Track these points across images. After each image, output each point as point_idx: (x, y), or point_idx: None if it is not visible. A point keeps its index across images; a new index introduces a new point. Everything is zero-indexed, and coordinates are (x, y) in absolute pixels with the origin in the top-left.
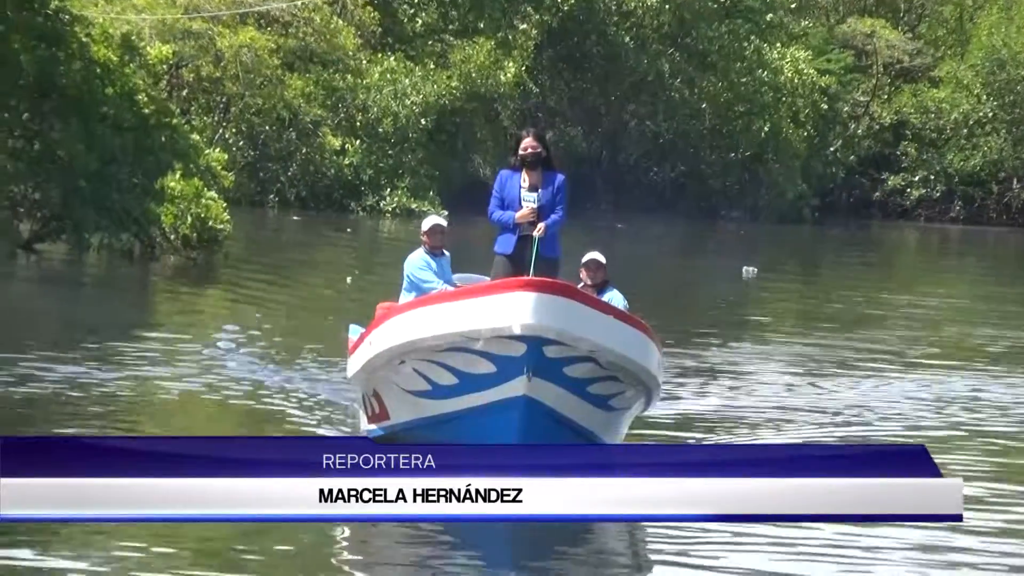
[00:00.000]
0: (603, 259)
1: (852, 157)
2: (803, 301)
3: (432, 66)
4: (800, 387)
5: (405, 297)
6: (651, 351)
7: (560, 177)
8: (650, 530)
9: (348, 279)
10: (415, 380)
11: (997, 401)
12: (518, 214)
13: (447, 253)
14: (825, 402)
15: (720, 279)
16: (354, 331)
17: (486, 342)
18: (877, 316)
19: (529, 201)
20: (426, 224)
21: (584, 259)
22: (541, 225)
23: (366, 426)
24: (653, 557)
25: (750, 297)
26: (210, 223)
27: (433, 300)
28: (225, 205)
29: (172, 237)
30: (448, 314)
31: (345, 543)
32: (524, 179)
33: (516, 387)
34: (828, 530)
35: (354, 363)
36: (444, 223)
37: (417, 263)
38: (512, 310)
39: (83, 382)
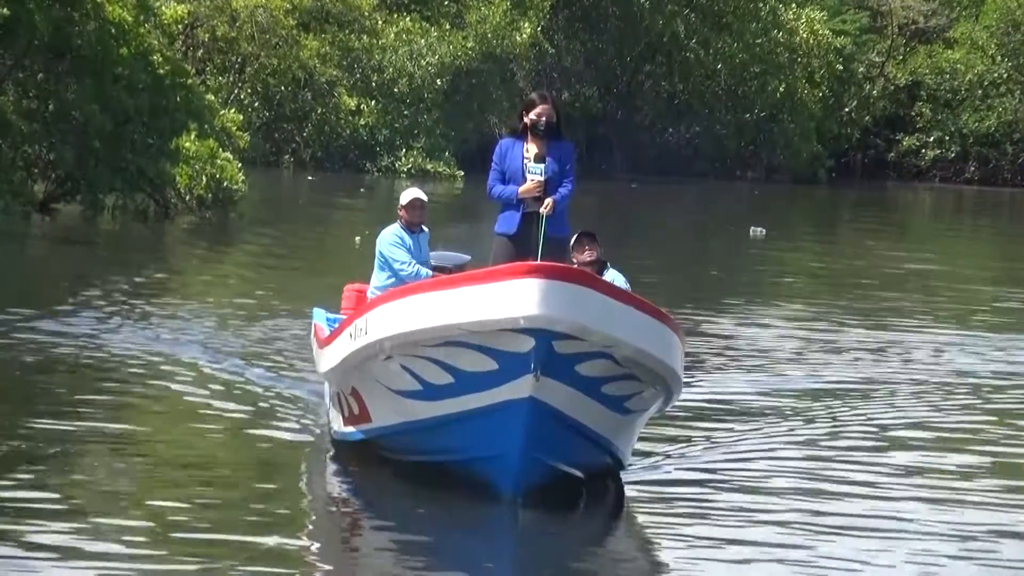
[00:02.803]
0: (595, 234)
1: (867, 118)
2: (807, 262)
3: (448, 26)
4: (794, 362)
5: (378, 276)
6: (674, 345)
7: (569, 145)
8: (653, 531)
9: (357, 239)
10: (403, 378)
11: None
12: (522, 188)
13: (426, 229)
14: (822, 381)
15: (728, 239)
16: (318, 315)
17: (487, 336)
18: (879, 278)
19: (534, 173)
20: (405, 197)
21: (574, 236)
22: (549, 201)
23: (341, 428)
24: (654, 558)
25: (754, 258)
26: (225, 183)
27: (425, 287)
28: (240, 165)
29: (187, 197)
30: (443, 304)
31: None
32: (528, 148)
33: (521, 387)
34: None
35: (329, 357)
36: (424, 197)
37: (390, 239)
38: (518, 300)
39: (94, 343)
